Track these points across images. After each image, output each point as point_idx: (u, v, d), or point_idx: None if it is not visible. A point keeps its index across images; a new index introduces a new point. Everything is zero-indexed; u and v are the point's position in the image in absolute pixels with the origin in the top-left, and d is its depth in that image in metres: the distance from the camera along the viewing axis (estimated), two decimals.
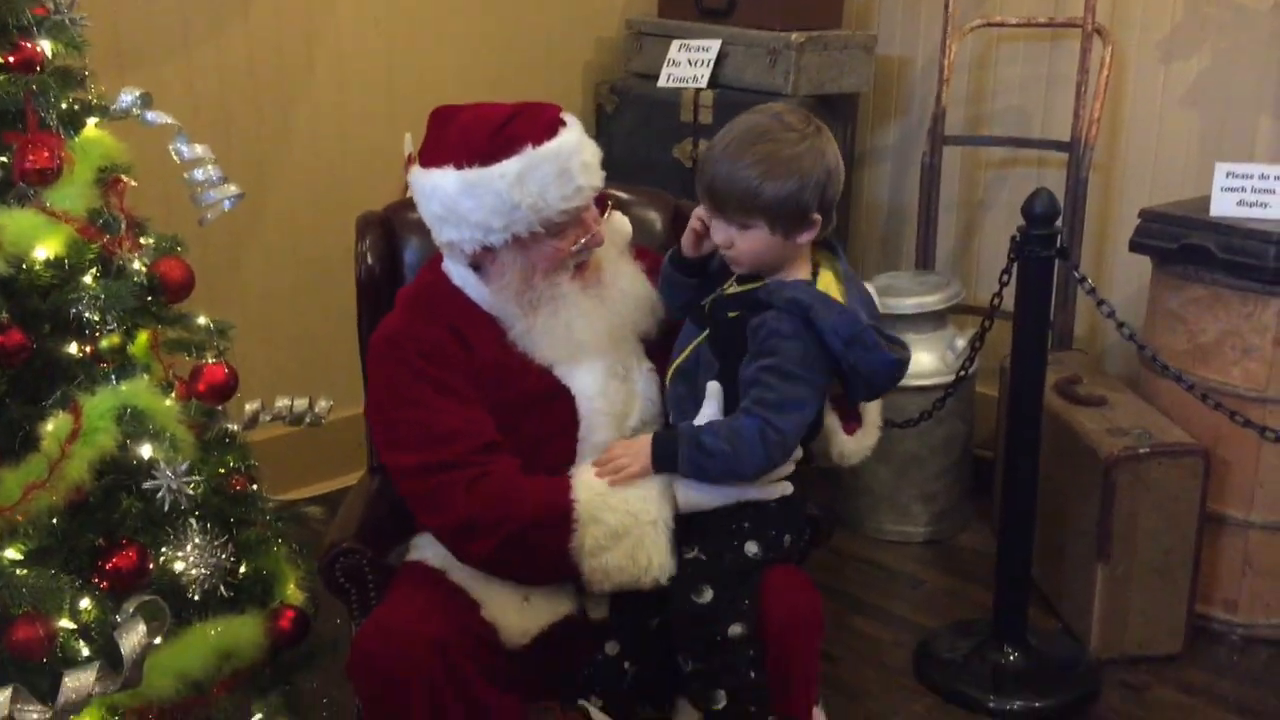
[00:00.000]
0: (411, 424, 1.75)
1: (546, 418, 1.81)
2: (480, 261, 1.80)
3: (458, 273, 1.84)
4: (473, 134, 1.73)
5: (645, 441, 1.72)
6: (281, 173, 3.17)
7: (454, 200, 1.71)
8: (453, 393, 1.75)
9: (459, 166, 1.71)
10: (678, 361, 1.79)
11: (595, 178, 1.76)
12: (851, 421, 1.86)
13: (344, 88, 3.22)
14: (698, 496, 1.70)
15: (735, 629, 1.67)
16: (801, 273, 1.75)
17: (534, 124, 1.72)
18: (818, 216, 1.70)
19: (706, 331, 1.77)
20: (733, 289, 1.78)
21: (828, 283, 1.74)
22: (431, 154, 1.76)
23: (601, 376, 1.82)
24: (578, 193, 1.72)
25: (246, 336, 3.12)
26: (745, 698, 1.66)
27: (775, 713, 1.70)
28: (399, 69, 3.30)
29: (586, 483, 1.70)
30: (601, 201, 1.86)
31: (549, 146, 1.70)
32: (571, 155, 1.71)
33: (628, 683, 1.75)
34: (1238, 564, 2.70)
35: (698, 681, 1.68)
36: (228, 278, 3.14)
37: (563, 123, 1.75)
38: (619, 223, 1.93)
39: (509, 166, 1.69)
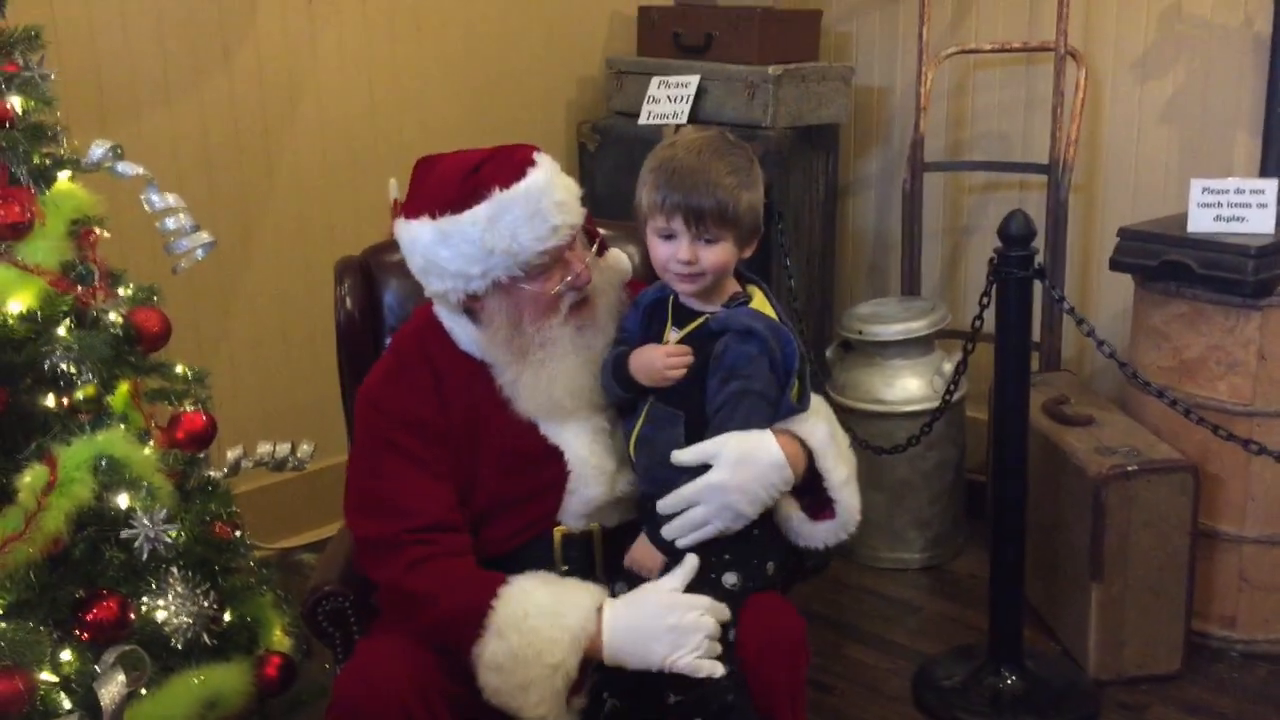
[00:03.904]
0: (367, 493, 1.77)
1: (533, 474, 1.80)
2: (471, 308, 1.79)
3: (447, 319, 1.83)
4: (445, 183, 1.73)
5: (643, 546, 1.72)
6: (266, 220, 3.19)
7: (432, 251, 1.72)
8: (416, 463, 1.76)
9: (434, 216, 1.71)
10: (636, 431, 1.77)
11: (571, 215, 1.74)
12: (824, 511, 1.80)
13: (327, 133, 3.25)
14: (625, 655, 1.66)
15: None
16: (732, 290, 1.76)
17: (503, 167, 1.72)
18: (762, 229, 1.73)
19: (653, 395, 1.75)
20: (678, 336, 1.77)
21: (761, 303, 1.76)
22: (411, 205, 1.77)
23: (589, 433, 1.80)
24: (553, 232, 1.70)
25: (235, 384, 3.16)
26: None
27: None
28: (382, 113, 3.33)
29: (518, 593, 1.68)
30: (594, 237, 1.84)
31: (517, 189, 1.69)
32: (541, 195, 1.70)
33: (604, 715, 1.73)
34: (1233, 579, 2.69)
35: (679, 711, 1.67)
36: (215, 326, 3.16)
37: (533, 162, 1.74)
38: (615, 259, 1.90)
39: (479, 212, 1.68)
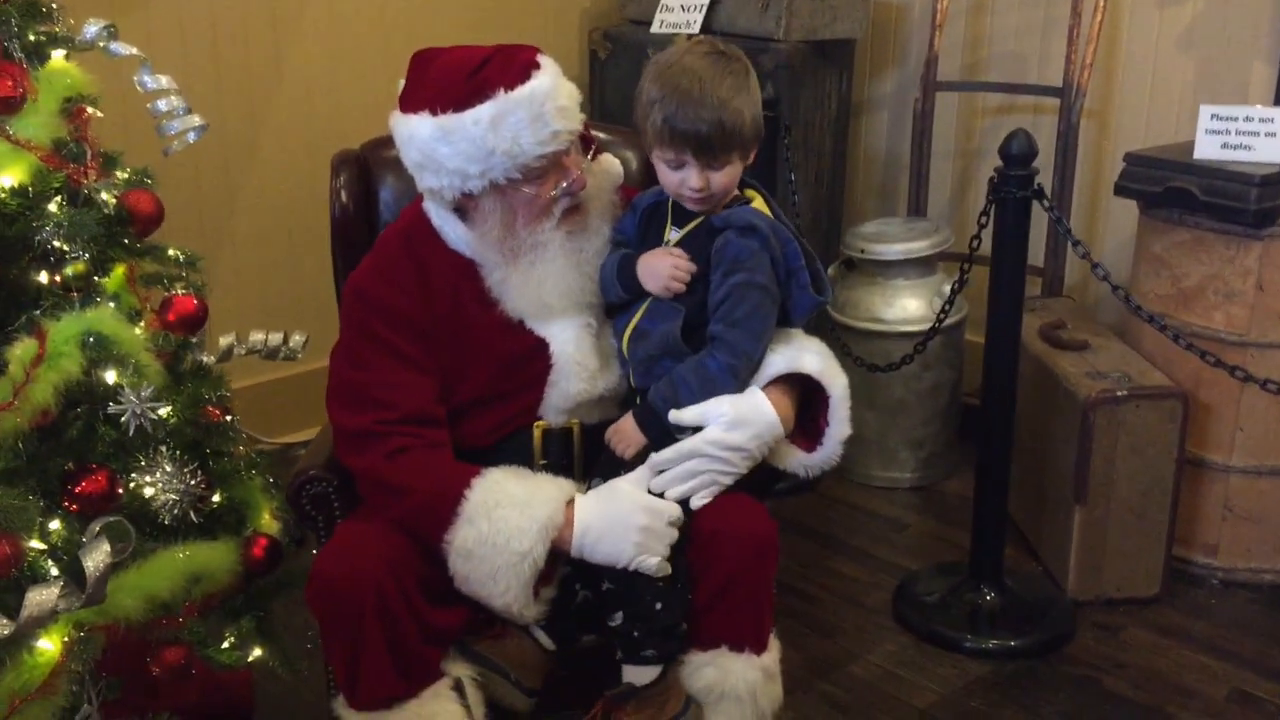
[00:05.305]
0: (350, 384, 1.80)
1: (517, 369, 1.83)
2: (463, 207, 1.80)
3: (436, 215, 1.84)
4: (447, 79, 1.72)
5: (630, 422, 1.75)
6: (272, 113, 3.19)
7: (430, 147, 1.71)
8: (399, 356, 1.78)
9: (434, 113, 1.71)
10: (633, 323, 1.79)
11: (572, 121, 1.74)
12: (813, 440, 1.84)
13: (337, 29, 3.24)
14: (593, 550, 1.68)
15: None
16: (733, 194, 1.77)
17: (507, 68, 1.71)
18: (764, 133, 1.74)
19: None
20: (678, 236, 1.78)
21: (760, 206, 1.76)
22: (409, 99, 1.76)
23: (575, 329, 1.83)
24: (553, 137, 1.71)
25: (237, 275, 3.19)
26: (638, 625, 1.69)
27: (669, 653, 1.72)
28: (392, 11, 3.31)
29: (491, 483, 1.70)
30: (588, 143, 1.84)
31: (522, 91, 1.69)
32: (545, 99, 1.70)
33: (576, 605, 1.77)
34: (1218, 508, 2.70)
35: (609, 599, 1.71)
36: (219, 218, 3.17)
37: (537, 65, 1.73)
38: (608, 164, 1.91)
39: (482, 112, 1.68)
